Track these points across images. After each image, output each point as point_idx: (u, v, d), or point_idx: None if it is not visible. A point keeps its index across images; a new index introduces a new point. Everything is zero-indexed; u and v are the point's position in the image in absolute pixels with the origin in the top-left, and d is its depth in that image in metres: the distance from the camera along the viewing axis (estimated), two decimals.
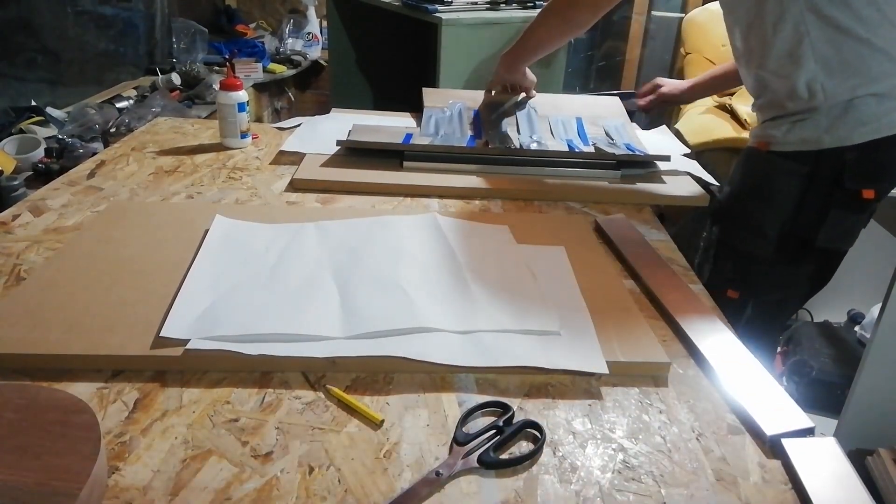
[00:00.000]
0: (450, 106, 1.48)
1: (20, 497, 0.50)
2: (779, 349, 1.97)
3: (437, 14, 2.08)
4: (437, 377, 0.71)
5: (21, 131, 2.10)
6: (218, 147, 1.33)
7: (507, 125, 1.42)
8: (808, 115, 1.04)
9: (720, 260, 1.21)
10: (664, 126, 1.58)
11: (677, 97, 1.60)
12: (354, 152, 1.27)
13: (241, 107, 1.30)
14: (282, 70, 3.33)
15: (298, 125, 1.45)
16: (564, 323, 0.78)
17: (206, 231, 0.93)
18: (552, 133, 1.40)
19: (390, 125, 1.42)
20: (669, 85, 1.60)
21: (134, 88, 2.70)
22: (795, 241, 1.10)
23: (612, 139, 1.38)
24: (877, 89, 1.01)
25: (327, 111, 1.55)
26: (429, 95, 1.54)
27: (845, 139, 1.02)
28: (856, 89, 1.01)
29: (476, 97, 1.52)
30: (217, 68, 2.98)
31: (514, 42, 1.44)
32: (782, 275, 1.15)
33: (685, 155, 1.39)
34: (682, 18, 3.13)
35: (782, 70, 1.06)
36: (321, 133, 1.37)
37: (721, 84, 1.56)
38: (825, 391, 1.79)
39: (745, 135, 1.95)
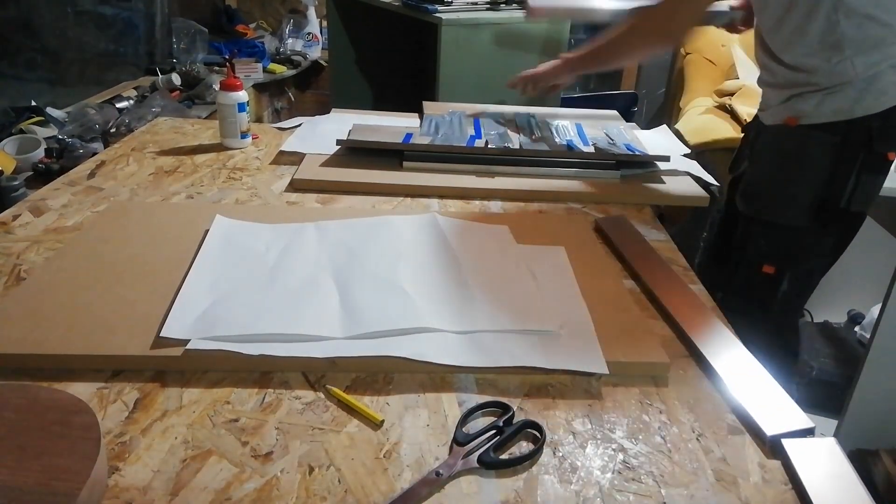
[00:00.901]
0: (450, 113, 1.48)
1: (20, 497, 0.50)
2: None
3: (437, 14, 2.08)
4: (437, 377, 0.71)
5: (21, 131, 2.10)
6: (218, 147, 1.33)
7: (507, 126, 1.42)
8: (839, 88, 1.11)
9: (754, 237, 1.23)
10: (664, 126, 1.58)
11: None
12: (354, 152, 1.27)
13: (241, 107, 1.30)
14: (282, 70, 3.33)
15: (298, 125, 1.45)
16: (564, 323, 0.78)
17: (206, 231, 0.93)
18: (552, 133, 1.40)
19: (390, 125, 1.42)
20: None
21: (134, 88, 2.70)
22: (828, 207, 1.15)
23: (612, 140, 1.38)
24: (895, 62, 1.09)
25: (327, 111, 1.55)
26: (429, 108, 1.55)
27: (872, 108, 1.09)
28: (879, 64, 1.08)
29: (476, 109, 1.52)
30: (217, 68, 2.97)
31: (585, 48, 1.39)
32: (814, 243, 1.20)
33: (685, 155, 1.39)
34: None
35: (817, 54, 1.11)
36: (321, 133, 1.37)
37: None
38: (825, 391, 1.79)
39: None
